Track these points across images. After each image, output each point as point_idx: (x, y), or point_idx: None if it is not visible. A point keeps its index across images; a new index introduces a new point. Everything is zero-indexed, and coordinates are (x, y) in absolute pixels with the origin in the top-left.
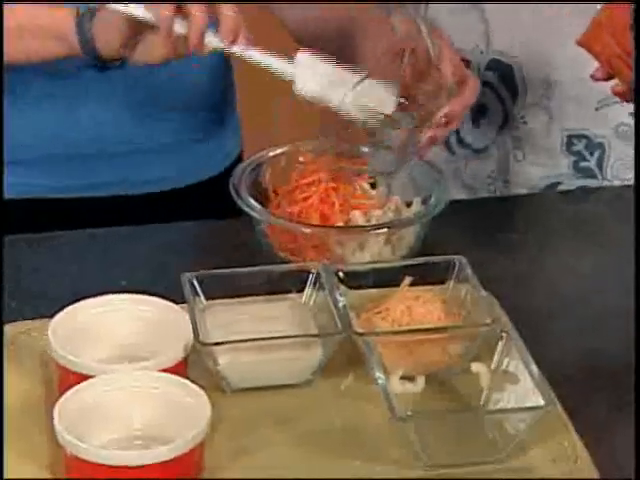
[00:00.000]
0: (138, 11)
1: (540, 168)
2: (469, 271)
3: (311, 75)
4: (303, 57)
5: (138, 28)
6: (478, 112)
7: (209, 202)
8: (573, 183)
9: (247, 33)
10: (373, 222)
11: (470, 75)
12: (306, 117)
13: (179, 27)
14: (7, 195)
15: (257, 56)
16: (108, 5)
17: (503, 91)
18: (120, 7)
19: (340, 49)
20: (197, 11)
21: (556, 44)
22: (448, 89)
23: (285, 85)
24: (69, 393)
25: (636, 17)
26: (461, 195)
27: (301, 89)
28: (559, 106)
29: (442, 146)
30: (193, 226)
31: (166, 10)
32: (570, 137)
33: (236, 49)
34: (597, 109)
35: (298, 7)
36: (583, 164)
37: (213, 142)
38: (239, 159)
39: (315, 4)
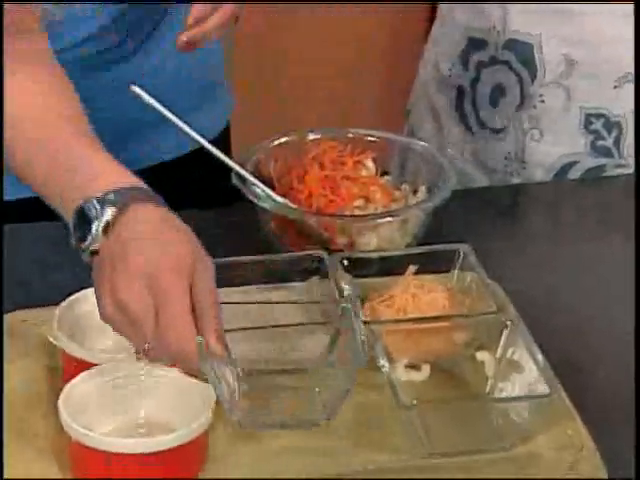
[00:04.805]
0: None
1: (557, 147)
2: (474, 259)
3: None
4: None
5: None
6: (496, 92)
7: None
8: (590, 162)
9: None
10: (379, 210)
11: None
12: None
13: None
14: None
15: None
16: None
17: (521, 70)
18: None
19: None
20: None
21: (574, 22)
22: None
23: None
24: (74, 381)
25: (636, 17)
26: (479, 175)
27: None
28: (577, 84)
29: (461, 126)
30: (196, 214)
31: None
32: (588, 116)
33: None
34: (615, 87)
35: None
36: (600, 143)
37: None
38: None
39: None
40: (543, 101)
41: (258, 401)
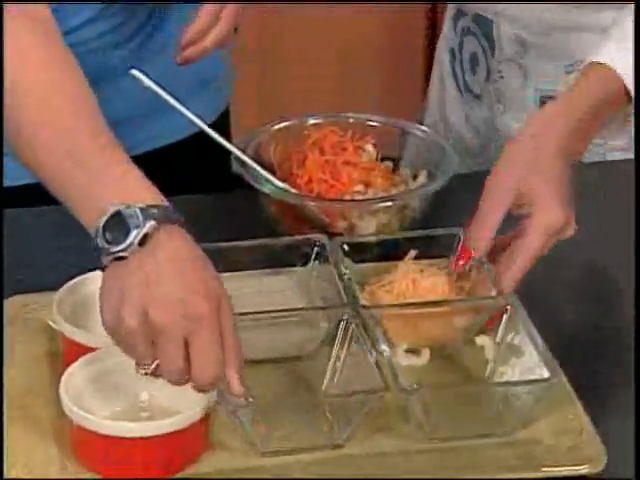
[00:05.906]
0: None
1: (519, 124)
2: None
3: None
4: None
5: None
6: (473, 59)
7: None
8: None
9: None
10: (379, 195)
11: None
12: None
13: None
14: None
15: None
16: None
17: (484, 44)
18: None
19: None
20: None
21: (527, 6)
22: None
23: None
24: (75, 365)
25: (636, 17)
26: (470, 137)
27: None
28: (533, 64)
29: (455, 88)
30: (196, 199)
31: None
32: (543, 98)
33: None
34: (567, 73)
35: None
36: None
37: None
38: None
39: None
40: (502, 77)
41: (270, 430)
